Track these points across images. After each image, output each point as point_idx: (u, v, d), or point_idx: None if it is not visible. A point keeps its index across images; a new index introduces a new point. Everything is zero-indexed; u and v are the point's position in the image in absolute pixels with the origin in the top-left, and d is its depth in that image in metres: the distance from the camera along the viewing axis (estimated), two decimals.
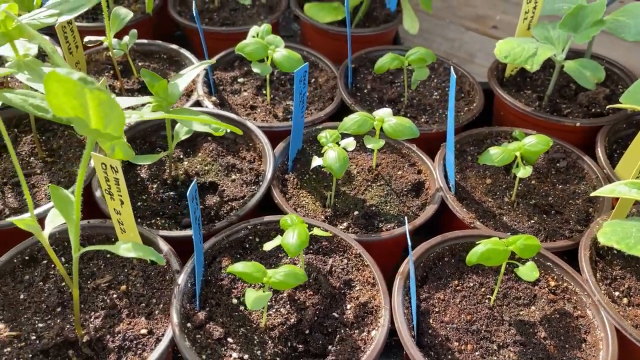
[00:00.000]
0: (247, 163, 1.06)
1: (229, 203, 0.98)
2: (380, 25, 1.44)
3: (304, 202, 1.00)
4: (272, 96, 1.22)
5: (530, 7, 1.20)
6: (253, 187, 1.02)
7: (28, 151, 1.04)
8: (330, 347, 0.79)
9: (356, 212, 0.98)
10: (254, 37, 1.14)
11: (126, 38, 1.15)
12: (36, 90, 0.85)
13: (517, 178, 0.98)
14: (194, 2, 1.10)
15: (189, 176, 1.03)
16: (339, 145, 0.95)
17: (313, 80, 1.27)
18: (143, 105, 0.90)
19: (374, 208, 1.00)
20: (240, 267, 0.75)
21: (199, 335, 0.77)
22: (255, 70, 1.07)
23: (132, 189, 0.99)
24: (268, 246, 0.82)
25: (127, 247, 0.71)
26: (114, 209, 0.83)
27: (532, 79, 1.30)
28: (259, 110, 1.19)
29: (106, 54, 1.28)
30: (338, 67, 1.29)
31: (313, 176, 1.06)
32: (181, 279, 0.81)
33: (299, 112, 1.01)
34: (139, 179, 1.01)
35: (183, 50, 1.28)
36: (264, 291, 0.74)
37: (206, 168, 1.05)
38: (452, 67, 0.94)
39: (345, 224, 0.96)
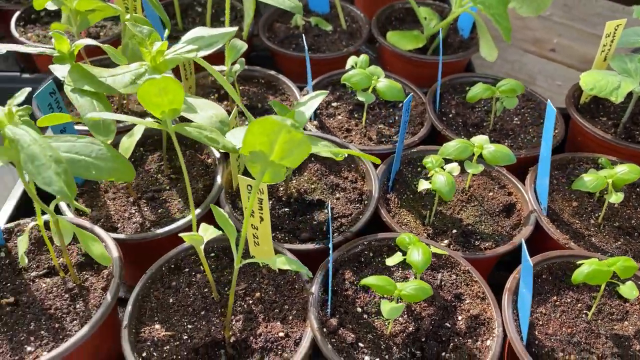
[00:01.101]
0: (350, 183, 1.17)
1: (338, 220, 1.08)
2: (458, 52, 1.54)
3: (405, 220, 1.10)
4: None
5: (607, 41, 1.28)
6: (357, 205, 1.12)
7: (155, 169, 1.15)
8: (444, 354, 0.89)
9: (454, 231, 1.08)
10: (353, 66, 1.24)
11: (236, 66, 1.26)
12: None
13: (606, 202, 1.06)
14: (303, 37, 1.20)
15: (300, 194, 1.13)
16: (443, 169, 1.04)
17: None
18: None
19: (470, 227, 1.09)
20: (373, 280, 0.85)
21: (334, 340, 0.87)
22: (360, 98, 1.17)
23: None
24: (391, 262, 0.92)
25: (282, 261, 0.82)
26: (252, 225, 0.93)
27: (605, 105, 1.38)
28: (354, 133, 1.29)
29: (211, 79, 1.39)
30: (421, 92, 1.39)
31: (411, 196, 1.15)
32: (314, 288, 0.91)
33: (402, 138, 1.11)
34: None
35: (280, 76, 1.39)
36: (396, 302, 0.84)
37: (312, 187, 1.15)
38: (549, 101, 1.03)
39: (445, 241, 1.06)
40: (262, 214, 0.90)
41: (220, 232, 0.90)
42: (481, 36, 1.49)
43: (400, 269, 0.99)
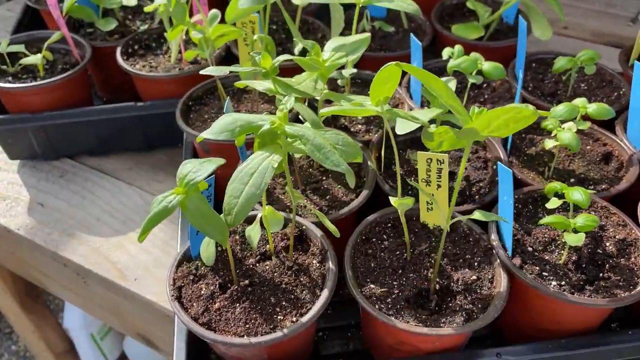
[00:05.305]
0: (471, 153, 1.35)
1: (476, 184, 1.27)
2: (510, 37, 1.76)
3: (529, 176, 1.30)
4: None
5: None
6: (485, 171, 1.31)
7: (306, 164, 1.31)
8: (601, 274, 1.08)
9: (572, 180, 1.28)
10: (450, 56, 1.44)
11: (353, 70, 1.43)
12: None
13: None
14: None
15: None
16: (562, 128, 1.25)
17: (485, 85, 1.57)
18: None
19: (582, 175, 1.30)
20: (551, 219, 1.04)
21: (524, 272, 1.05)
22: (472, 80, 1.37)
23: None
24: (552, 205, 1.11)
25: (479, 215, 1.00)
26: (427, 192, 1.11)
27: None
28: None
29: None
30: None
31: (525, 158, 1.35)
32: (494, 237, 1.09)
33: None
34: None
35: None
36: (575, 232, 1.04)
37: None
38: (635, 62, 1.25)
39: None
40: (439, 182, 1.09)
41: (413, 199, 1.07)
42: (533, 19, 1.71)
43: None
